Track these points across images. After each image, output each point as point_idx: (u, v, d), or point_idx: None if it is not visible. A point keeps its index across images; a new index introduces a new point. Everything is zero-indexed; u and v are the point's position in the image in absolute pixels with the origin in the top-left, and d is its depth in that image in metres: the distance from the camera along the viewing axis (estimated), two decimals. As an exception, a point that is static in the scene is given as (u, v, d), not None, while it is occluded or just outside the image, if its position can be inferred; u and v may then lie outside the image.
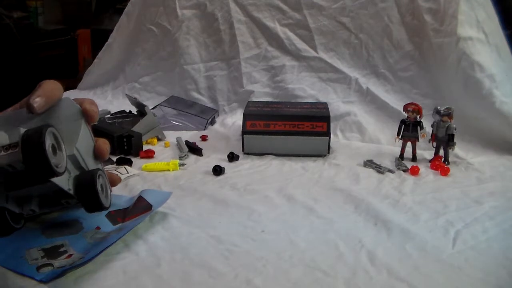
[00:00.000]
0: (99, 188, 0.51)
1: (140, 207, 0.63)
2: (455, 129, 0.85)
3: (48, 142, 0.43)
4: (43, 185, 0.46)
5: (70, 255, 0.53)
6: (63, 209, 0.56)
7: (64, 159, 0.46)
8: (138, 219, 0.60)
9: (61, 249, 0.54)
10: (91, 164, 0.53)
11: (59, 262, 0.52)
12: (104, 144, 0.56)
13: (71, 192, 0.49)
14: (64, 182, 0.48)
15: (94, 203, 0.51)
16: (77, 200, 0.51)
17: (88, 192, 0.50)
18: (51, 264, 0.51)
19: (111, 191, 0.56)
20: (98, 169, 0.53)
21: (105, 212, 0.63)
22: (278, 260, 0.55)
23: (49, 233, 0.57)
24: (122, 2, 1.96)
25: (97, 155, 0.55)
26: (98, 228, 0.59)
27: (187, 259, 0.54)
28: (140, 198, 0.65)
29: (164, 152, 0.91)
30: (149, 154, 0.89)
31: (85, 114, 0.52)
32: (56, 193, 0.49)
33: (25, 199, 0.51)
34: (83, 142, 0.52)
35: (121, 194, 0.71)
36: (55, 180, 0.45)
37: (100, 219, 0.62)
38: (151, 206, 0.63)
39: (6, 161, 0.43)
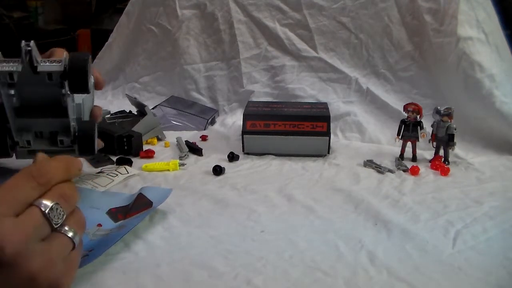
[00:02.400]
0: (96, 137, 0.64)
1: (141, 204, 0.63)
2: (455, 129, 0.85)
3: (89, 64, 0.54)
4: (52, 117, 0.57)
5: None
6: (55, 151, 0.61)
7: (91, 83, 0.61)
8: (139, 216, 0.60)
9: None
10: (86, 119, 0.67)
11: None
12: (99, 110, 0.71)
13: (73, 124, 0.60)
14: (71, 110, 0.59)
15: (89, 147, 0.62)
16: (72, 140, 0.61)
17: (87, 137, 0.62)
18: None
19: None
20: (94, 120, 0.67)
21: (106, 209, 0.63)
22: (278, 260, 0.55)
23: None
24: (122, 2, 1.96)
25: (92, 114, 0.70)
26: (99, 225, 0.59)
27: (187, 259, 0.54)
28: (140, 195, 0.65)
29: (164, 152, 0.91)
30: (149, 154, 0.88)
31: (96, 80, 0.67)
32: (56, 126, 0.60)
33: (26, 128, 0.60)
34: (89, 97, 0.67)
35: (121, 192, 0.71)
36: (69, 100, 0.57)
37: (101, 217, 0.62)
38: (152, 203, 0.63)
39: (47, 69, 0.54)
